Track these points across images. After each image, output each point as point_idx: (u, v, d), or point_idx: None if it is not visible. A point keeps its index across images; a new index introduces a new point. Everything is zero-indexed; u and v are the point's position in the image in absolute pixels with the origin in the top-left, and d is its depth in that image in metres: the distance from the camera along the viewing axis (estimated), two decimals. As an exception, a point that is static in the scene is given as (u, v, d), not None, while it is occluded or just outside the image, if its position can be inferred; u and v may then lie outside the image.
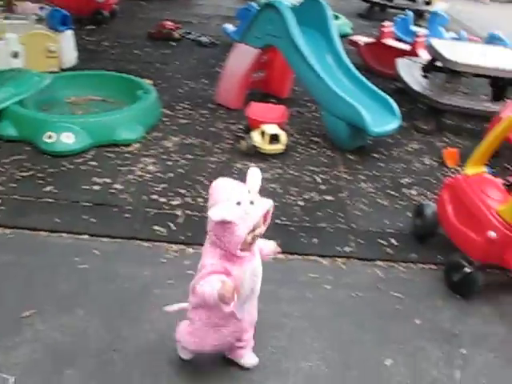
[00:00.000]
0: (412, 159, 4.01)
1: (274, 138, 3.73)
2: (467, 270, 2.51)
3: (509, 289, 2.70)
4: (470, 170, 2.71)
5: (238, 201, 1.61)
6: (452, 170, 3.87)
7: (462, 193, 2.63)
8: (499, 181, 2.64)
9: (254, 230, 1.66)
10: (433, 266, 2.78)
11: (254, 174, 1.73)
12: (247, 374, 2.03)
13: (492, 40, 6.21)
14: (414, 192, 3.50)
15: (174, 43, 6.66)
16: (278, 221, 2.96)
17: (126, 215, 2.94)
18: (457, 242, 2.61)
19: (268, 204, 1.70)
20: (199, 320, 1.84)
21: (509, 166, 3.96)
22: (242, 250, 1.68)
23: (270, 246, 1.95)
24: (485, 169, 2.73)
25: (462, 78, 4.58)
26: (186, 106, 4.60)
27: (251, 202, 1.64)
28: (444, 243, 2.77)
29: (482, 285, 2.55)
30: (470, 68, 4.46)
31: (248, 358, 2.04)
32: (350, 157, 3.90)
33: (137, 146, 3.76)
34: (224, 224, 1.61)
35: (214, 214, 1.58)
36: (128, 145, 3.72)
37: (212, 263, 1.69)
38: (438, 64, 4.81)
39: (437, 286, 2.64)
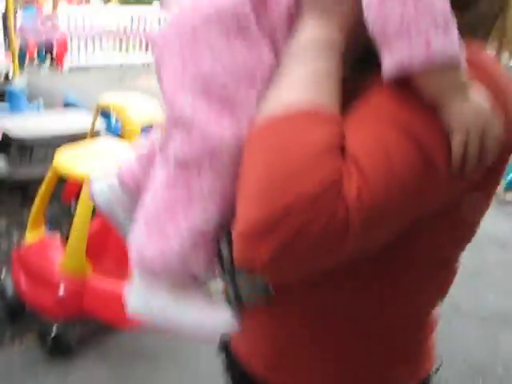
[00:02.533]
0: None
1: None
2: (55, 331, 2.55)
3: (108, 333, 2.84)
4: (30, 236, 2.76)
5: None
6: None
7: (28, 261, 2.66)
8: (57, 237, 2.77)
9: None
10: (29, 337, 2.74)
11: None
12: None
13: (68, 105, 6.58)
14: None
15: None
16: None
17: None
18: (37, 308, 2.62)
19: None
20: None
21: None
22: None
23: None
24: (44, 230, 2.83)
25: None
26: None
27: None
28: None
29: (78, 338, 2.64)
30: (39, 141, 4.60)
31: None
32: None
33: None
34: None
35: None
36: None
37: None
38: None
39: (38, 355, 2.61)
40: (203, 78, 0.67)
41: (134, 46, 13.40)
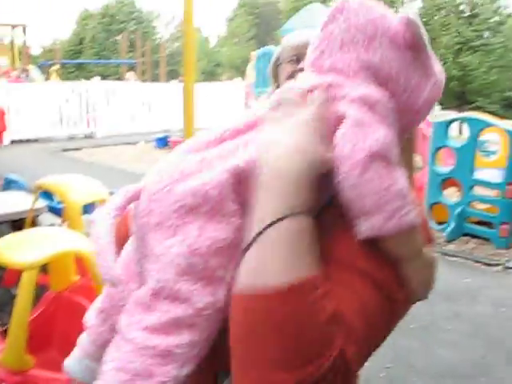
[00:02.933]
0: None
1: None
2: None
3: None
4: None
5: None
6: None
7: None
8: (-3, 330, 2.66)
9: None
10: None
11: None
12: None
13: (9, 184, 6.42)
14: None
15: None
16: None
17: None
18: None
19: None
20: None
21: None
22: None
23: None
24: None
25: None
26: None
27: None
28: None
29: None
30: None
31: None
32: None
33: None
34: None
35: None
36: None
37: None
38: None
39: None
40: (188, 257, 0.73)
41: (75, 119, 13.41)
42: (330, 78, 0.77)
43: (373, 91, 0.75)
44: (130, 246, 0.87)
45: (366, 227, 0.72)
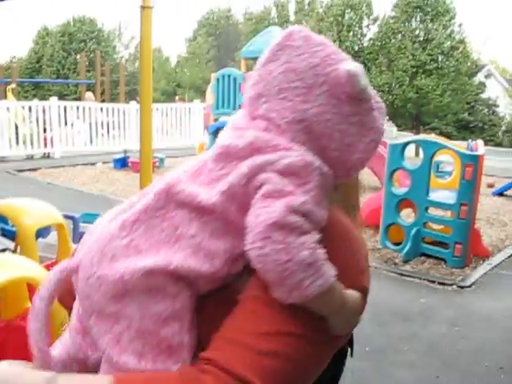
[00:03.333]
0: None
1: None
2: None
3: None
4: None
5: None
6: None
7: None
8: None
9: None
10: None
11: None
12: None
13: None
14: None
15: None
16: None
17: None
18: None
19: None
20: None
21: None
22: None
23: None
24: None
25: None
26: None
27: None
28: None
29: None
30: None
31: None
32: None
33: None
34: None
35: None
36: None
37: None
38: None
39: None
40: (139, 338, 0.74)
41: (32, 139, 13.15)
42: (259, 138, 0.76)
43: (299, 157, 0.74)
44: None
45: (274, 295, 0.74)
